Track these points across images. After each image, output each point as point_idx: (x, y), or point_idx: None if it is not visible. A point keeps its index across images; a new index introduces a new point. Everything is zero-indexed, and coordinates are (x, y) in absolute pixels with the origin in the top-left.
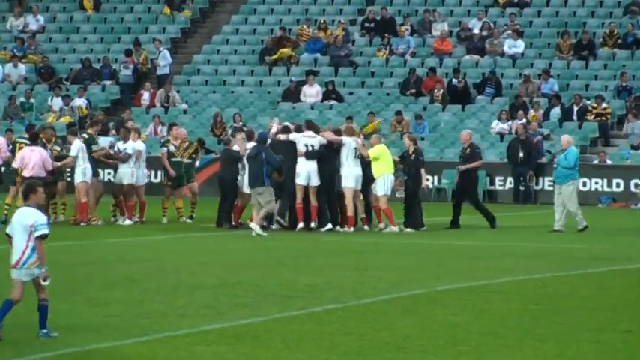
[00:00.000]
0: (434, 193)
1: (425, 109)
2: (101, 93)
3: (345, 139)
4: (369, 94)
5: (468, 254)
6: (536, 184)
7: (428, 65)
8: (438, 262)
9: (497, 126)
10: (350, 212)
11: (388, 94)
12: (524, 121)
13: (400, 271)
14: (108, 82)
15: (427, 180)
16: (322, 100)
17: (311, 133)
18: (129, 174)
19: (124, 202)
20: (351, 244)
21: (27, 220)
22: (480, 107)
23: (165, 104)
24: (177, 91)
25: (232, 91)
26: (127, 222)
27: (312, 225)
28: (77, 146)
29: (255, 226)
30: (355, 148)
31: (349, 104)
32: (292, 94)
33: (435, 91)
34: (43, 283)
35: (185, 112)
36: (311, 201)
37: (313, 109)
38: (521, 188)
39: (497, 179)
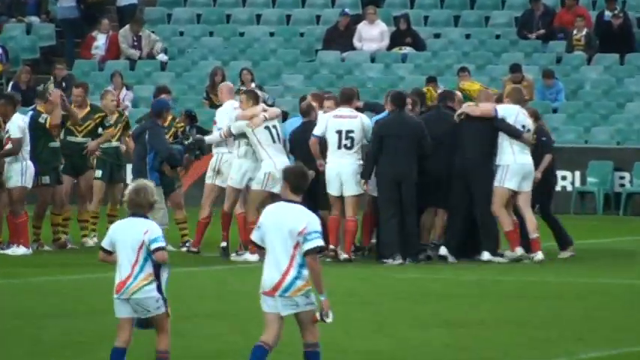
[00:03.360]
0: (575, 198)
1: (559, 61)
2: (25, 37)
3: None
4: (467, 36)
5: (629, 301)
6: None
7: None
8: (580, 313)
9: None
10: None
11: (498, 36)
12: None
13: (518, 327)
14: (36, 20)
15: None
16: (390, 48)
17: None
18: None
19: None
20: (437, 282)
21: (293, 222)
22: None
23: (137, 53)
24: (153, 32)
25: (241, 33)
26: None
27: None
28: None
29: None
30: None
31: (433, 54)
32: (341, 37)
33: (575, 32)
34: (327, 320)
35: (164, 67)
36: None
37: (375, 62)
38: None
39: None
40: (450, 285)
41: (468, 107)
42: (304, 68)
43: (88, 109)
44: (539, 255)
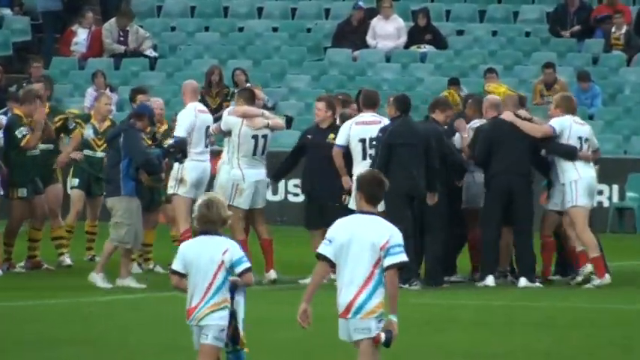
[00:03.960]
0: (612, 215)
1: (595, 62)
2: None
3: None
4: (493, 33)
5: None
6: None
7: None
8: (618, 343)
9: None
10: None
11: (528, 34)
12: None
13: (549, 358)
14: (9, 12)
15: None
16: (407, 46)
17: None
18: None
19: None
20: (459, 309)
21: (374, 236)
22: None
23: (122, 46)
24: (141, 26)
25: (241, 28)
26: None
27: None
28: None
29: (95, 275)
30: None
31: (456, 53)
32: (353, 33)
33: (614, 29)
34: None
35: (153, 65)
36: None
37: (390, 62)
38: None
39: None
40: (474, 311)
41: (525, 124)
42: (311, 68)
43: (47, 110)
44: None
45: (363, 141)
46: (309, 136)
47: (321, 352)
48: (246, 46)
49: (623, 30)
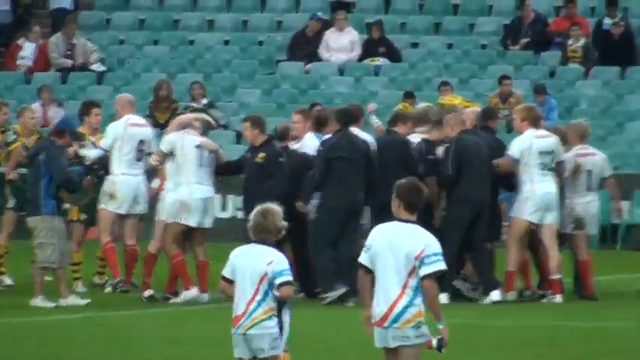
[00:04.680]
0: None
1: (552, 74)
2: None
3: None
4: (449, 46)
5: (628, 344)
6: None
7: None
8: None
9: None
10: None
11: (484, 46)
12: None
13: None
14: None
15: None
16: (361, 59)
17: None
18: None
19: None
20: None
21: (409, 245)
22: None
23: (69, 60)
24: (89, 39)
25: (191, 42)
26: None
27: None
28: None
29: (35, 300)
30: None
31: (411, 66)
32: (307, 43)
33: (570, 41)
34: (444, 350)
35: (100, 78)
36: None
37: (344, 75)
38: None
39: None
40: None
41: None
42: (263, 82)
43: None
44: (557, 298)
45: None
46: (248, 154)
47: None
48: (196, 59)
49: (581, 42)
